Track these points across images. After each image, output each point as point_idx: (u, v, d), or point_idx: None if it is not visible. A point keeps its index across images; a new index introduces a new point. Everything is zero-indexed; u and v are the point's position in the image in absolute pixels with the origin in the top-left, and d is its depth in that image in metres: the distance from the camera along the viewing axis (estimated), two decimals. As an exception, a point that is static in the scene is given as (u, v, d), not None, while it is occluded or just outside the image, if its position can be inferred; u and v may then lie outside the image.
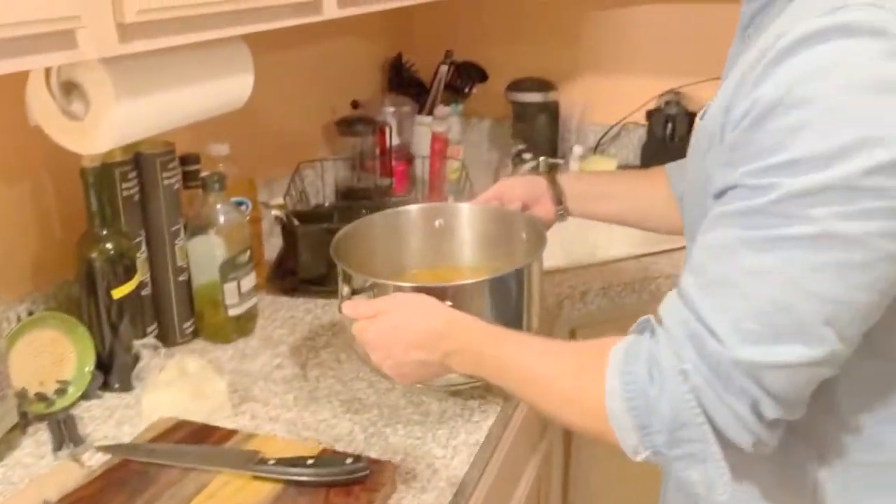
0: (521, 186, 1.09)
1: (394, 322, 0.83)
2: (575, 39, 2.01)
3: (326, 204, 1.63)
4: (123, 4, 0.70)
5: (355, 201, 1.67)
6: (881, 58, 0.55)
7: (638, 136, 2.01)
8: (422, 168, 1.81)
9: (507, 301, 0.94)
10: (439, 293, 0.86)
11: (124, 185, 1.00)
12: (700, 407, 0.60)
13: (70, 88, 0.81)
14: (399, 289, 0.91)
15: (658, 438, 0.62)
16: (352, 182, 1.75)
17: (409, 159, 1.85)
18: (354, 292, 0.92)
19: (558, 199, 1.08)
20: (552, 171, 1.10)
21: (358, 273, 0.94)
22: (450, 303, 0.86)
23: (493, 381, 0.79)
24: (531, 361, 0.75)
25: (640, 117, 1.98)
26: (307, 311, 1.24)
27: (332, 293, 1.25)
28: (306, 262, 1.27)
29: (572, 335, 1.36)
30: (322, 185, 1.71)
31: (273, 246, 1.42)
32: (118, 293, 0.97)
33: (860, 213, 0.56)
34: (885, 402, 0.67)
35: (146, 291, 1.06)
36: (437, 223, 1.10)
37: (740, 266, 0.60)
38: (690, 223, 0.77)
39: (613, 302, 1.33)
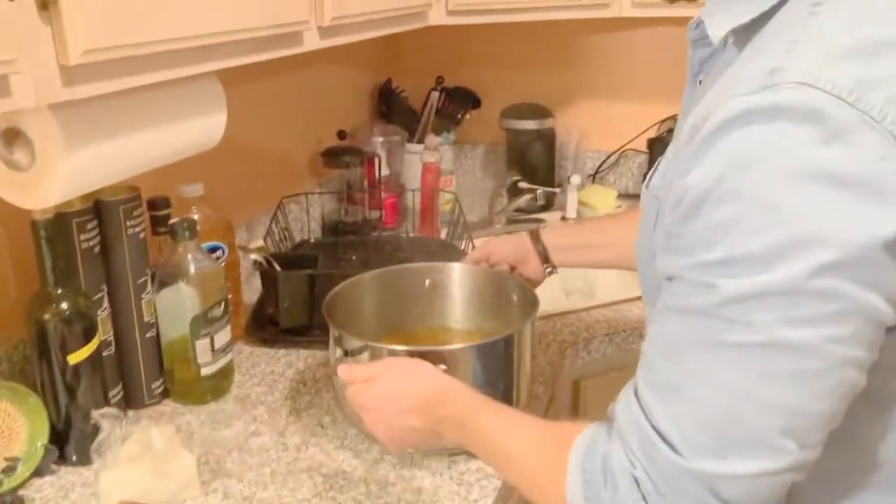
0: (508, 247, 1.09)
1: (388, 387, 0.80)
2: (571, 64, 1.93)
3: (312, 240, 1.55)
4: (67, 45, 0.61)
5: (342, 237, 1.59)
6: (816, 144, 0.48)
7: (638, 163, 1.93)
8: (413, 200, 1.72)
9: (501, 365, 0.91)
10: (434, 357, 0.83)
11: (83, 237, 0.91)
12: None
13: (13, 136, 0.71)
14: (393, 352, 0.86)
15: None
16: (339, 216, 1.67)
17: (399, 191, 1.77)
18: (347, 354, 0.88)
19: (545, 257, 1.07)
20: (535, 229, 1.10)
21: (351, 335, 0.90)
22: (444, 367, 0.82)
23: (475, 452, 0.76)
24: (504, 440, 0.72)
25: (639, 144, 1.90)
26: (288, 364, 1.14)
27: (315, 343, 1.18)
28: (288, 310, 1.17)
29: (576, 386, 1.26)
30: (307, 220, 1.61)
31: (253, 288, 1.32)
32: (75, 358, 0.87)
33: (809, 318, 0.50)
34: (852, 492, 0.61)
35: (109, 351, 0.96)
36: (427, 282, 1.08)
37: (688, 370, 0.55)
38: (643, 288, 0.74)
39: (619, 348, 1.24)
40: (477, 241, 1.41)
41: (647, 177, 0.72)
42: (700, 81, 0.72)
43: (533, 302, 0.96)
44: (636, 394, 0.59)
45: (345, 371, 0.83)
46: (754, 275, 0.51)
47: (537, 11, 1.49)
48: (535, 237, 1.08)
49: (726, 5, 0.60)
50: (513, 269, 1.07)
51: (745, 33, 0.59)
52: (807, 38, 0.52)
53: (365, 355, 0.88)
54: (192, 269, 1.00)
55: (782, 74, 0.50)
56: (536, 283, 1.07)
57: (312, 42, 1.01)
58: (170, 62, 0.74)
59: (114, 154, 0.78)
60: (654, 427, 0.56)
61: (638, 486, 0.57)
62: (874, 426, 0.58)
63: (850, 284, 0.49)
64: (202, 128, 0.93)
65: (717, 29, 0.61)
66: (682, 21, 1.69)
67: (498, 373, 0.90)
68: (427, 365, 0.81)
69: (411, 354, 0.83)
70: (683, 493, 0.55)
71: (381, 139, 1.77)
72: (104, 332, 0.95)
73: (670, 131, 1.71)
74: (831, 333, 0.50)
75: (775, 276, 0.50)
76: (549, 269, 1.08)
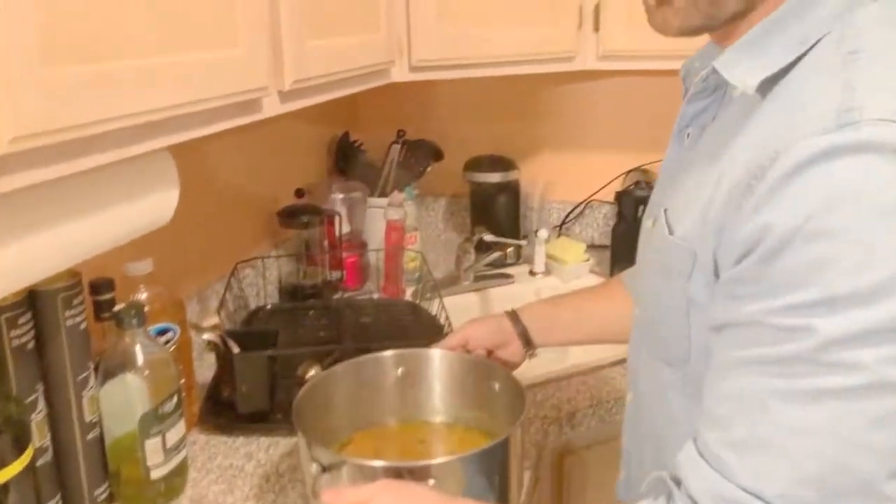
0: (486, 332, 1.01)
1: None
2: (535, 115, 1.88)
3: (269, 306, 1.45)
4: (-8, 133, 0.52)
5: (301, 301, 1.50)
6: None
7: (603, 214, 1.90)
8: (377, 259, 1.64)
9: (493, 472, 0.82)
10: (421, 473, 0.75)
11: (13, 333, 0.80)
12: None
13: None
14: (374, 470, 0.77)
15: None
16: (297, 279, 1.57)
17: (361, 249, 1.68)
18: (324, 470, 0.78)
19: (526, 340, 1.01)
20: (513, 310, 1.04)
21: (324, 444, 0.81)
22: (433, 481, 0.74)
23: None
24: None
25: (605, 194, 1.86)
26: (248, 455, 1.04)
27: (277, 430, 1.08)
28: (246, 394, 1.07)
29: (559, 463, 1.19)
30: (264, 285, 1.52)
31: (207, 364, 1.22)
32: (4, 475, 0.76)
33: None
34: None
35: (45, 459, 0.85)
36: (399, 371, 0.99)
37: (780, 424, 0.53)
38: (666, 344, 0.69)
39: (603, 420, 1.18)
40: (447, 300, 1.35)
41: (652, 216, 0.70)
42: (688, 135, 0.72)
43: (519, 395, 0.87)
44: (705, 456, 0.56)
45: (332, 496, 0.74)
46: (854, 311, 0.49)
47: (502, 66, 1.45)
48: (515, 319, 1.01)
49: (752, 55, 0.60)
50: (490, 353, 1.00)
51: (768, 83, 0.59)
52: (865, 81, 0.53)
53: (343, 470, 0.79)
54: (140, 359, 0.90)
55: (860, 112, 0.51)
56: (515, 366, 1.01)
57: (272, 108, 0.94)
58: (115, 142, 0.66)
59: (52, 245, 0.69)
60: (741, 488, 0.53)
61: None
62: None
63: None
64: (153, 206, 0.84)
65: (749, 78, 0.59)
66: (646, 73, 1.68)
67: (490, 481, 0.81)
68: (417, 488, 0.73)
69: (397, 471, 0.75)
70: None
71: (340, 196, 1.70)
72: (40, 439, 0.84)
73: (637, 184, 1.67)
74: None
75: (878, 313, 0.49)
76: (530, 352, 1.02)
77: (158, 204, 0.85)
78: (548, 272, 1.75)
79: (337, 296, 1.58)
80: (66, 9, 0.57)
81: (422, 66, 1.35)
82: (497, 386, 0.95)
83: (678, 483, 0.58)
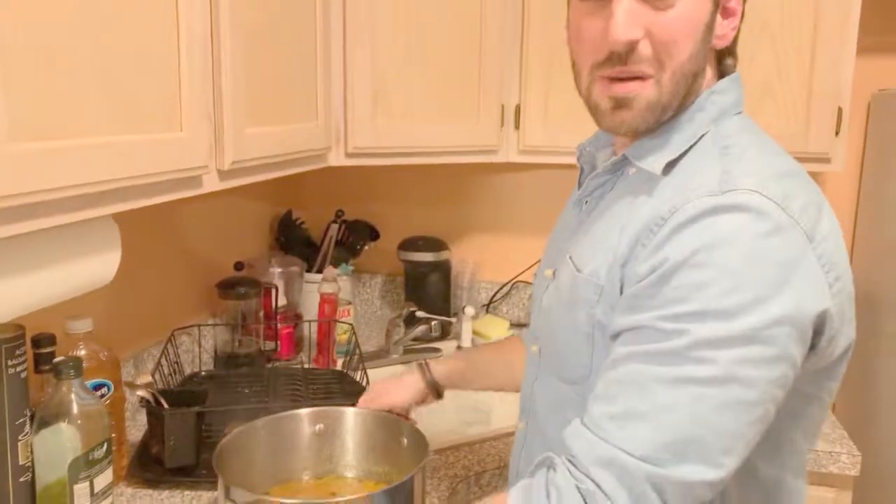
0: (404, 396, 1.11)
1: None
2: (465, 201, 2.04)
3: (203, 373, 1.52)
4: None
5: (234, 369, 1.57)
6: (764, 235, 0.67)
7: (528, 294, 2.03)
8: (310, 330, 1.73)
9: None
10: None
11: (-43, 378, 0.87)
12: None
13: None
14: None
15: None
16: (232, 347, 1.65)
17: (295, 321, 1.77)
18: None
19: (437, 393, 1.12)
20: (423, 362, 1.15)
21: (241, 487, 0.88)
22: None
23: None
24: None
25: (529, 276, 2.00)
26: (173, 507, 1.10)
27: (201, 483, 1.15)
28: (174, 449, 1.14)
29: (468, 520, 1.27)
30: (199, 352, 1.59)
31: (138, 425, 1.28)
32: (-64, 510, 0.82)
33: (756, 359, 0.66)
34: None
35: (-25, 500, 0.90)
36: (317, 428, 1.09)
37: (653, 401, 0.67)
38: (570, 360, 0.83)
39: (508, 482, 1.26)
40: (371, 372, 1.44)
41: (572, 267, 0.83)
42: (586, 202, 0.89)
43: (423, 445, 0.97)
44: (591, 426, 0.70)
45: None
46: (721, 323, 0.66)
47: (432, 155, 1.59)
48: (424, 372, 1.11)
49: (654, 149, 0.79)
50: (407, 412, 1.10)
51: (668, 165, 0.78)
52: (736, 168, 0.72)
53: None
54: (75, 409, 0.97)
55: (735, 185, 0.69)
56: (397, 405, 1.11)
57: (212, 184, 1.04)
58: (68, 207, 0.76)
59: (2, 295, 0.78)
60: (616, 447, 0.67)
61: (581, 495, 0.67)
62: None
63: (786, 338, 0.67)
64: (95, 267, 0.93)
65: (657, 164, 0.78)
66: (560, 166, 1.85)
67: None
68: None
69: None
70: (634, 497, 0.66)
71: (279, 269, 1.79)
72: (-28, 479, 0.89)
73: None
74: (767, 374, 0.66)
75: (735, 326, 0.65)
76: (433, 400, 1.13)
77: (101, 265, 0.94)
78: (475, 335, 1.86)
79: (270, 365, 1.66)
80: (30, 92, 0.68)
81: (357, 153, 1.49)
82: (405, 441, 1.04)
83: (565, 452, 0.71)
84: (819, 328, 0.70)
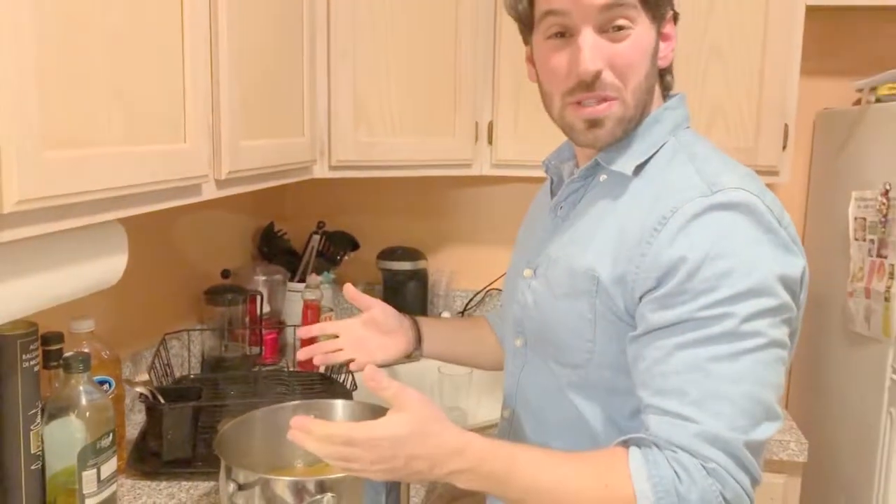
0: (390, 315, 1.19)
1: (390, 450, 0.77)
2: (441, 212, 2.14)
3: (192, 376, 1.59)
4: (2, 195, 0.70)
5: (221, 372, 1.64)
6: (755, 224, 0.81)
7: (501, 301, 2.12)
8: (294, 335, 1.81)
9: (385, 487, 0.98)
10: (322, 485, 0.92)
11: (-23, 370, 0.94)
12: (722, 496, 0.76)
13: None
14: (283, 483, 0.94)
15: None
16: (219, 352, 1.72)
17: (279, 327, 1.85)
18: (241, 488, 0.94)
19: (418, 340, 1.20)
20: (416, 322, 1.24)
21: (242, 469, 0.96)
22: (331, 494, 0.91)
23: (509, 499, 0.81)
24: (554, 476, 0.79)
25: (502, 283, 2.10)
26: (170, 495, 1.17)
27: (197, 475, 1.22)
28: (172, 441, 1.21)
29: (448, 507, 1.35)
30: (188, 357, 1.66)
31: (134, 423, 1.35)
32: (-40, 490, 0.89)
33: (782, 321, 0.80)
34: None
35: (-9, 485, 0.97)
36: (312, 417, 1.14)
37: (720, 378, 0.78)
38: (563, 353, 0.94)
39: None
40: (356, 375, 1.51)
41: (566, 264, 0.93)
42: (561, 207, 0.98)
43: None
44: (675, 416, 0.78)
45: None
46: (755, 299, 0.78)
47: (411, 169, 1.69)
48: (413, 321, 1.21)
49: (622, 155, 0.92)
50: (383, 331, 1.17)
51: (637, 168, 0.91)
52: (707, 170, 0.86)
53: (257, 489, 0.94)
54: (83, 401, 1.04)
55: (721, 183, 0.83)
56: (398, 356, 1.18)
57: (210, 192, 1.13)
58: (88, 210, 0.84)
59: (10, 299, 0.84)
60: (708, 427, 0.77)
61: (709, 473, 0.76)
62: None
63: (790, 299, 0.81)
64: (104, 268, 1.01)
65: (627, 166, 0.91)
66: (531, 179, 1.95)
67: (384, 496, 0.98)
68: (438, 415, 0.80)
69: (303, 485, 0.92)
70: (740, 462, 0.77)
71: (263, 278, 1.87)
72: (-11, 465, 0.96)
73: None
74: (784, 331, 0.81)
75: (763, 300, 0.78)
76: (418, 353, 1.20)
77: (109, 267, 1.02)
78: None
79: (255, 369, 1.73)
80: (61, 106, 0.76)
81: (340, 166, 1.58)
82: None
83: (658, 440, 0.79)
84: (802, 283, 0.85)
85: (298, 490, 0.94)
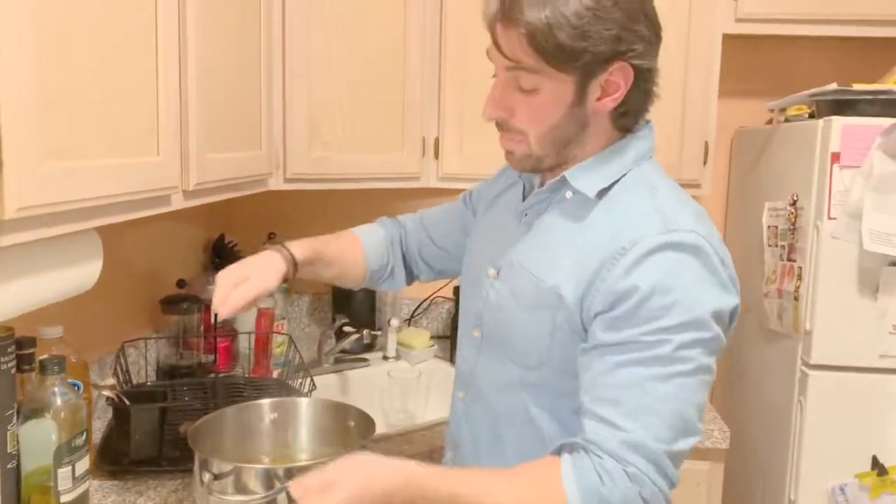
0: (271, 275, 1.15)
1: (354, 483, 0.87)
2: (388, 224, 2.22)
3: (149, 383, 1.63)
4: (4, 203, 0.75)
5: (177, 379, 1.68)
6: (702, 265, 0.91)
7: (447, 308, 2.22)
8: (247, 343, 1.86)
9: None
10: (290, 473, 0.99)
11: (-41, 371, 0.98)
12: (641, 497, 0.86)
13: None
14: (255, 471, 1.02)
15: None
16: (174, 360, 1.76)
17: (232, 335, 1.90)
18: (216, 478, 1.01)
19: (295, 270, 1.18)
20: (283, 246, 1.21)
21: (217, 459, 1.03)
22: None
23: None
24: (490, 491, 0.88)
25: (446, 292, 2.20)
26: (139, 493, 1.22)
27: (163, 474, 1.27)
28: (139, 441, 1.26)
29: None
30: (145, 364, 1.70)
31: (96, 429, 1.39)
32: (-54, 485, 0.93)
33: (711, 351, 0.91)
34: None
35: (-30, 482, 1.01)
36: (272, 417, 1.23)
37: (654, 396, 0.88)
38: (525, 349, 1.02)
39: (439, 463, 1.44)
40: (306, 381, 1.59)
41: (531, 276, 1.00)
42: (526, 214, 1.07)
43: (370, 424, 1.14)
44: (607, 424, 0.88)
45: (299, 485, 0.88)
46: (692, 332, 0.88)
47: (362, 181, 1.78)
48: (283, 251, 1.18)
49: (590, 174, 0.99)
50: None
51: (601, 192, 0.98)
52: (666, 207, 0.94)
53: (231, 478, 1.01)
54: (58, 402, 1.08)
55: (677, 223, 0.92)
56: (270, 290, 1.14)
57: (178, 203, 1.19)
58: (75, 218, 0.90)
59: (6, 297, 0.90)
60: (634, 436, 0.87)
61: (630, 477, 0.86)
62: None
63: (721, 331, 0.91)
64: (80, 274, 1.06)
65: (590, 188, 0.98)
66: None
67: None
68: (373, 458, 0.92)
69: (273, 473, 0.99)
70: (660, 469, 0.87)
71: (215, 287, 1.92)
72: (-31, 463, 1.00)
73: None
74: (712, 360, 0.92)
75: (701, 333, 0.89)
76: (291, 277, 1.18)
77: (85, 273, 1.07)
78: (398, 357, 2.03)
79: (211, 376, 1.78)
80: (55, 123, 0.83)
81: (295, 179, 1.66)
82: (352, 424, 1.20)
83: (590, 444, 0.89)
84: (732, 317, 0.95)
85: (270, 478, 1.01)
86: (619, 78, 0.93)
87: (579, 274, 0.95)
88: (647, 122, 1.03)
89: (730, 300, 0.93)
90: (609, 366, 0.90)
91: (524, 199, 1.10)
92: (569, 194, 1.01)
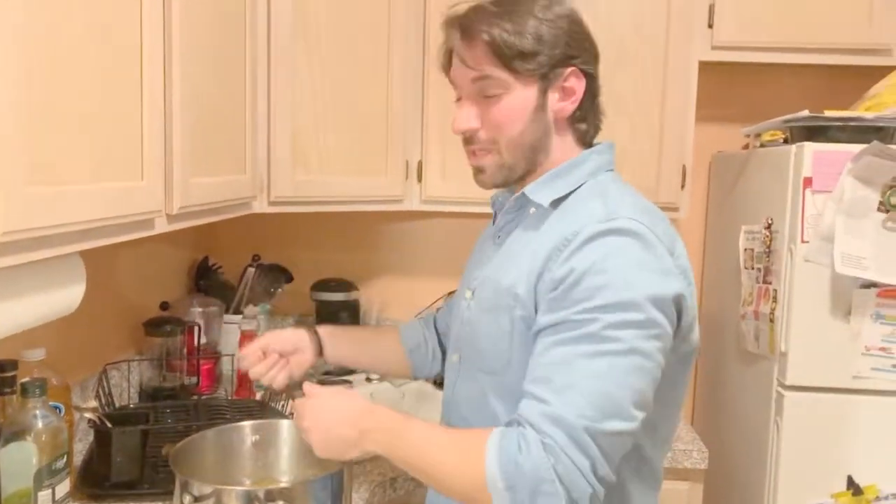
0: (284, 337, 1.28)
1: (325, 402, 1.05)
2: (373, 245, 2.25)
3: (131, 405, 1.63)
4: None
5: (160, 401, 1.68)
6: (641, 249, 0.94)
7: (430, 330, 2.24)
8: (231, 366, 1.87)
9: (330, 495, 1.08)
10: (272, 494, 1.02)
11: (-60, 395, 0.99)
12: (554, 470, 0.86)
13: None
14: (236, 493, 1.03)
15: (522, 495, 0.87)
16: (158, 382, 1.76)
17: (216, 358, 1.91)
18: (196, 500, 1.01)
19: (319, 349, 1.29)
20: (312, 324, 1.32)
21: (197, 481, 1.04)
22: (282, 502, 1.02)
23: (397, 460, 0.98)
24: (430, 443, 0.96)
25: (432, 312, 2.22)
26: (120, 516, 1.22)
27: (144, 496, 1.27)
28: (120, 464, 1.27)
29: (384, 519, 1.44)
30: (128, 386, 1.70)
31: (77, 451, 1.39)
32: (-74, 508, 0.93)
33: (649, 336, 0.91)
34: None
35: (-50, 506, 1.01)
36: (253, 439, 1.23)
37: (581, 373, 0.90)
38: (492, 354, 1.05)
39: (420, 485, 1.45)
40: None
41: (492, 282, 1.05)
42: (499, 236, 1.12)
43: None
44: (537, 399, 0.90)
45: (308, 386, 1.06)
46: (622, 312, 0.90)
47: (346, 204, 1.80)
48: (313, 331, 1.29)
49: (547, 187, 1.05)
50: (286, 354, 1.26)
51: (556, 202, 1.04)
52: (612, 204, 0.98)
53: (211, 500, 1.01)
54: (39, 425, 1.09)
55: (617, 212, 0.95)
56: (306, 373, 1.26)
57: (162, 227, 1.21)
58: (60, 242, 0.92)
59: (-6, 318, 0.91)
60: (558, 410, 0.88)
61: (546, 449, 0.87)
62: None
63: (662, 317, 0.92)
64: (64, 297, 1.07)
65: (546, 199, 1.04)
66: (457, 215, 2.10)
67: (330, 501, 1.07)
68: (353, 391, 1.07)
69: (255, 495, 1.01)
70: (579, 446, 0.87)
71: (199, 309, 1.93)
72: (-51, 487, 1.00)
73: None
74: (656, 345, 0.91)
75: (630, 314, 0.90)
76: (322, 362, 1.29)
77: (68, 296, 1.08)
78: (381, 379, 2.04)
79: (194, 398, 1.78)
80: (41, 148, 0.84)
81: (279, 202, 1.68)
82: None
83: (522, 419, 0.91)
84: (679, 309, 0.95)
85: (251, 500, 1.02)
86: (574, 83, 1.04)
87: (530, 269, 1.00)
88: (610, 143, 1.11)
89: (670, 286, 0.94)
90: (545, 346, 0.93)
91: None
92: (532, 210, 1.07)
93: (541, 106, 1.03)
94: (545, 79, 1.02)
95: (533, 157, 1.05)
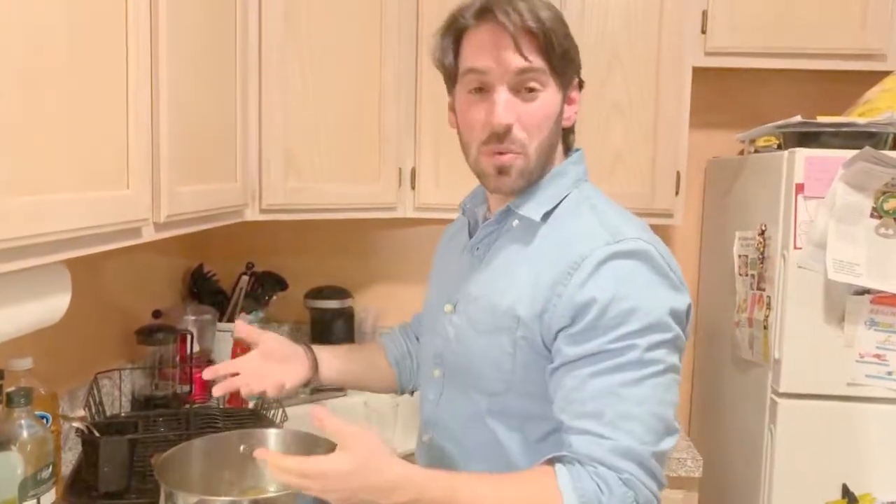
0: (283, 343, 1.21)
1: (349, 476, 0.85)
2: (367, 253, 2.25)
3: (122, 414, 1.63)
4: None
5: (152, 410, 1.68)
6: (651, 269, 0.95)
7: (425, 338, 2.23)
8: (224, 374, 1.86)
9: None
10: None
11: (-77, 405, 0.98)
12: (635, 500, 0.88)
13: None
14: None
15: None
16: (150, 390, 1.76)
17: (209, 366, 1.89)
18: None
19: (314, 365, 1.21)
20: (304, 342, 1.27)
21: (183, 492, 1.03)
22: None
23: None
24: (493, 497, 0.88)
25: (426, 321, 2.21)
26: (107, 525, 1.21)
27: (133, 506, 1.26)
28: (108, 474, 1.26)
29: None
30: (119, 395, 1.70)
31: (66, 461, 1.38)
32: None
33: (676, 350, 0.94)
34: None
35: (-67, 516, 1.00)
36: (241, 448, 1.20)
37: (630, 401, 0.90)
38: (481, 382, 1.03)
39: None
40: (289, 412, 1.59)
41: (488, 302, 1.03)
42: (478, 248, 1.09)
43: None
44: (589, 433, 0.90)
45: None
46: (653, 334, 0.91)
47: (339, 211, 1.80)
48: (307, 346, 1.22)
49: (533, 201, 1.03)
50: (280, 360, 1.19)
51: (545, 216, 1.03)
52: (608, 221, 0.98)
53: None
54: (24, 435, 1.08)
55: (622, 233, 0.96)
56: (299, 383, 1.18)
57: (149, 235, 1.20)
58: (43, 251, 0.91)
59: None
60: (621, 442, 0.88)
61: (625, 483, 0.87)
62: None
63: (679, 329, 0.94)
64: (47, 306, 1.06)
65: (534, 213, 1.03)
66: (452, 221, 2.08)
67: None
68: (383, 451, 0.86)
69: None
70: (649, 472, 0.89)
71: (193, 317, 1.92)
72: (-68, 497, 1.00)
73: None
74: (677, 357, 0.94)
75: (662, 334, 0.92)
76: (312, 383, 1.21)
77: (53, 305, 1.08)
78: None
79: (186, 407, 1.77)
80: (23, 156, 0.84)
81: (270, 209, 1.68)
82: (321, 452, 1.20)
83: (579, 456, 0.89)
84: (687, 319, 0.98)
85: (236, 510, 1.01)
86: (576, 95, 1.06)
87: (533, 291, 0.98)
88: (581, 151, 1.11)
89: (683, 299, 0.96)
90: (581, 379, 0.92)
91: (471, 236, 1.13)
92: (515, 223, 1.05)
93: (560, 113, 1.04)
94: (567, 86, 1.04)
95: (545, 166, 1.05)
